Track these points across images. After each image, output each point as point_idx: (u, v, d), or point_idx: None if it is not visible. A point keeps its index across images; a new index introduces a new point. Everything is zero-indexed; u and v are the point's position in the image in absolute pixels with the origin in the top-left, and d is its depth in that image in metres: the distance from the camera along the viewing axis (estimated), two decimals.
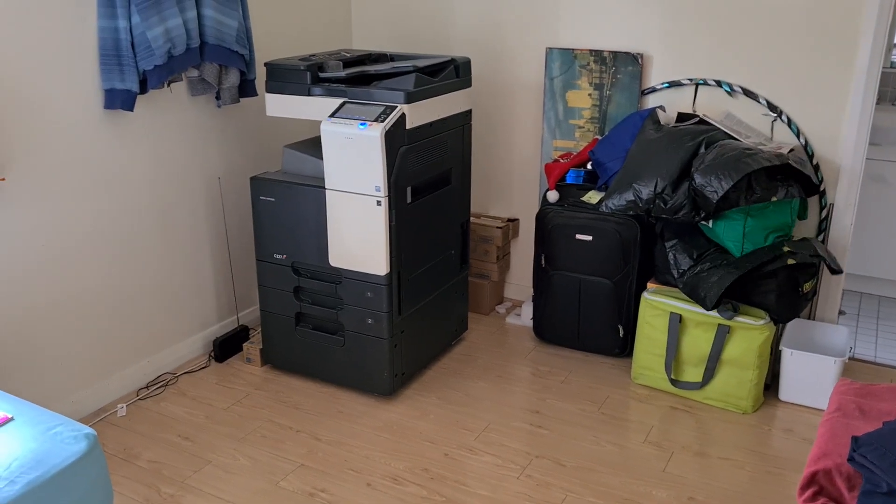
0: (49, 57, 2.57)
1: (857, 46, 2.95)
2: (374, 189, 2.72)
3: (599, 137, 3.45)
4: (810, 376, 2.94)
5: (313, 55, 3.07)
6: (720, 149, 2.86)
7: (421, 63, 2.94)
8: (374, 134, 2.65)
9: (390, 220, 2.78)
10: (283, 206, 2.95)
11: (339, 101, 2.81)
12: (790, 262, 2.81)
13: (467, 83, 3.13)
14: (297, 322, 3.10)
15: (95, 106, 2.75)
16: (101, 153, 2.80)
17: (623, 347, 3.32)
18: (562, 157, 3.52)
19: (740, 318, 2.87)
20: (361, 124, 2.68)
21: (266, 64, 2.96)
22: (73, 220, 2.74)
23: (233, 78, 3.10)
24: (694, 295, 2.90)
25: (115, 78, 2.72)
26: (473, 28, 3.67)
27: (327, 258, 2.91)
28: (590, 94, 3.46)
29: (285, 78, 2.91)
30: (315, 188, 2.85)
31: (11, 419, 1.74)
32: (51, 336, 2.74)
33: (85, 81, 2.69)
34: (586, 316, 3.32)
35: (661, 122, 3.13)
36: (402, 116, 2.72)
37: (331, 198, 2.82)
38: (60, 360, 2.79)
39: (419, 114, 2.81)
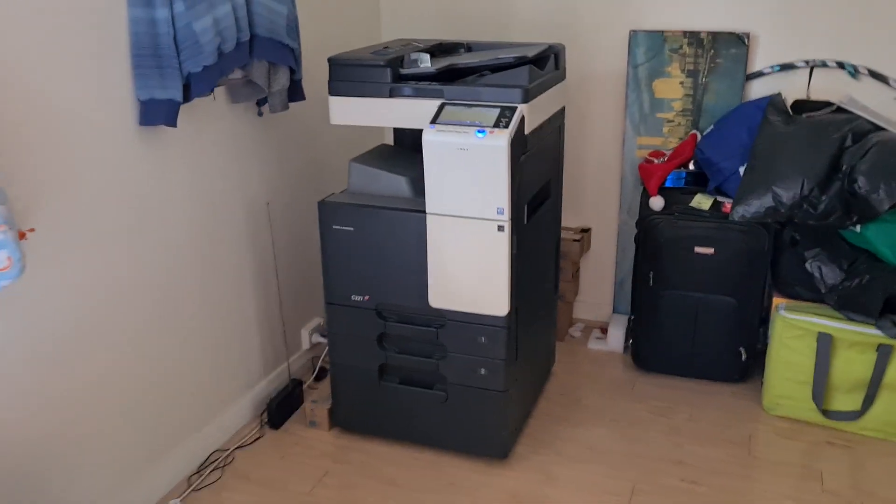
0: (72, 63, 1.90)
1: None
2: (495, 212, 2.18)
3: (697, 132, 2.99)
4: None
5: (387, 46, 2.49)
6: (880, 146, 2.44)
7: (529, 52, 2.40)
8: (500, 143, 2.10)
9: (512, 249, 2.24)
10: (365, 236, 2.36)
11: (435, 102, 2.24)
12: None
13: (563, 75, 2.62)
14: (380, 376, 2.52)
15: (128, 123, 2.09)
16: (134, 184, 2.14)
17: (743, 372, 2.89)
18: (651, 155, 3.05)
19: None
20: (479, 131, 2.13)
21: (330, 59, 2.35)
22: (104, 273, 2.08)
23: (282, 79, 2.48)
24: (852, 306, 2.50)
25: (155, 85, 2.07)
26: (538, 8, 3.13)
27: (426, 298, 2.35)
28: (682, 83, 3.00)
29: (357, 76, 2.32)
30: (412, 213, 2.28)
31: None
32: (85, 425, 2.08)
33: (113, 91, 2.03)
34: (702, 339, 2.86)
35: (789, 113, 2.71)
36: (522, 120, 2.19)
37: (433, 224, 2.25)
38: (98, 452, 2.13)
39: (535, 115, 2.28)
